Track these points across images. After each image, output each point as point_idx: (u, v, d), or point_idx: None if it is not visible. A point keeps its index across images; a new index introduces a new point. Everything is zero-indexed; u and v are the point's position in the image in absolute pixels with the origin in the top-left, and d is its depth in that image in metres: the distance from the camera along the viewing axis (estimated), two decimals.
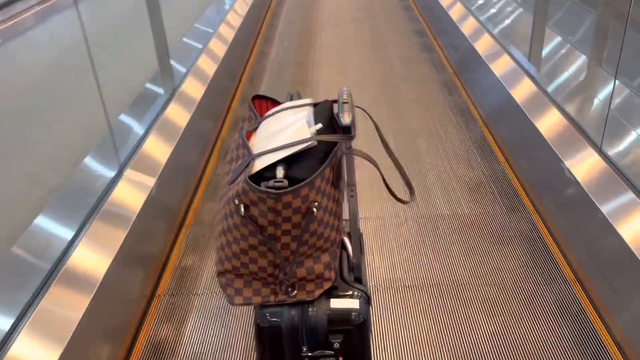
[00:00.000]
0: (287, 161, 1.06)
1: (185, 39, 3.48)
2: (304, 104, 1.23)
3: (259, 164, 1.06)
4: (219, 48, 3.55)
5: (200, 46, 3.38)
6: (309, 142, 1.06)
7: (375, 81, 3.80)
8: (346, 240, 1.27)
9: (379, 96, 3.56)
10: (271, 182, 1.01)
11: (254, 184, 1.01)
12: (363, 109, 1.21)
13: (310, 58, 4.31)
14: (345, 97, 1.14)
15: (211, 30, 3.68)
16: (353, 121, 1.10)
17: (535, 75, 2.79)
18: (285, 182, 1.01)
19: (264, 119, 1.23)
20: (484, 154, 2.82)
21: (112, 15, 3.23)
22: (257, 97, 1.31)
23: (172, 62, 3.08)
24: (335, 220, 1.13)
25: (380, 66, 4.06)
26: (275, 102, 1.32)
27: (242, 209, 1.02)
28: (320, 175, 1.04)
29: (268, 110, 1.28)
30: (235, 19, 4.16)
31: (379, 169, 1.12)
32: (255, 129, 1.22)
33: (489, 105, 3.18)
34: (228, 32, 3.86)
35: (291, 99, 1.29)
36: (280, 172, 1.04)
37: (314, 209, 1.03)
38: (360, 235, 1.31)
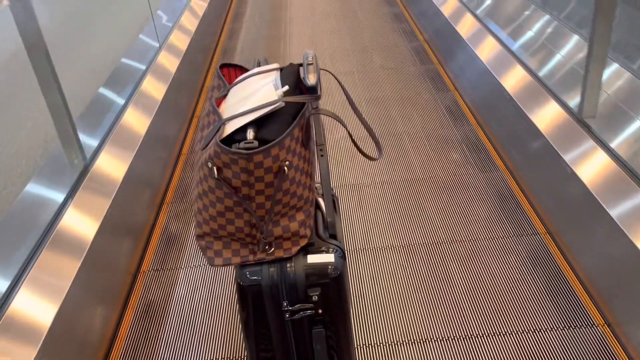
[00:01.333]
0: (256, 123, 1.09)
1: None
2: (271, 69, 1.25)
3: (230, 128, 1.09)
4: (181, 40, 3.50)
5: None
6: (276, 104, 1.09)
7: (346, 50, 3.81)
8: (320, 200, 1.32)
9: (351, 65, 3.58)
10: (242, 144, 1.05)
11: (225, 146, 1.04)
12: (328, 70, 1.25)
13: (281, 32, 4.30)
14: (310, 59, 1.17)
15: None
16: (318, 81, 1.13)
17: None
18: (256, 143, 1.05)
19: (232, 86, 1.25)
20: (455, 118, 2.89)
21: None
22: (225, 65, 1.33)
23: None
24: (307, 179, 1.17)
25: (351, 36, 4.08)
26: (243, 69, 1.34)
27: (215, 172, 1.06)
28: (290, 135, 1.07)
29: (236, 77, 1.30)
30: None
31: (345, 127, 1.16)
32: (224, 96, 1.24)
33: (460, 72, 3.23)
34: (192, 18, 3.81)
35: (259, 66, 1.32)
36: (250, 134, 1.07)
37: (285, 168, 1.07)
38: (334, 195, 1.35)
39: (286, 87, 1.13)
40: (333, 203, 1.30)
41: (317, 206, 1.30)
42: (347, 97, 1.24)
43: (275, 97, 1.11)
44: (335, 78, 1.25)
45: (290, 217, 1.16)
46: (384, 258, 2.02)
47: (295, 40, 4.13)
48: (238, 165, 1.04)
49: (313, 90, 1.13)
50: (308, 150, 1.16)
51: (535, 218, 2.15)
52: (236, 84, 1.25)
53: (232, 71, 1.34)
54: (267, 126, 1.09)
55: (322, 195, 1.32)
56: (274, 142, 1.05)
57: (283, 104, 1.09)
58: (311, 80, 1.12)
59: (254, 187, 1.07)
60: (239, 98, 1.18)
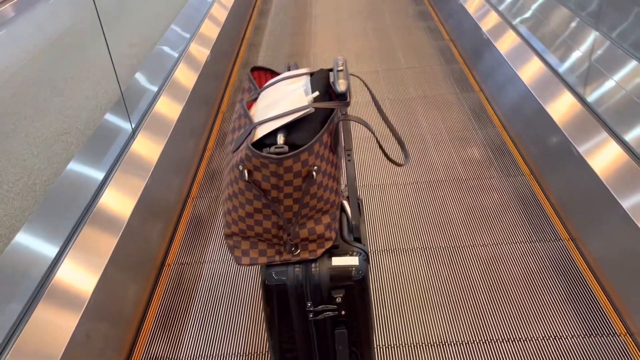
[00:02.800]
0: (287, 128, 1.11)
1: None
2: (301, 74, 1.28)
3: (260, 132, 1.12)
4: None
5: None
6: (307, 110, 1.11)
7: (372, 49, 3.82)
8: (345, 203, 1.34)
9: (376, 65, 3.58)
10: (272, 148, 1.07)
11: (256, 150, 1.07)
12: (357, 76, 1.26)
13: (306, 29, 4.31)
14: (340, 65, 1.19)
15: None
16: (348, 88, 1.15)
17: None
18: (286, 148, 1.07)
19: (263, 89, 1.28)
20: (480, 121, 2.88)
21: None
22: (256, 69, 1.36)
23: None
24: (335, 183, 1.19)
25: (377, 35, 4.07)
26: (274, 73, 1.37)
27: (246, 174, 1.09)
28: (319, 141, 1.10)
29: (267, 81, 1.33)
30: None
31: (373, 133, 1.18)
32: (255, 99, 1.27)
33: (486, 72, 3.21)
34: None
35: (289, 70, 1.34)
36: (280, 138, 1.10)
37: (314, 173, 1.09)
38: (359, 198, 1.37)
39: (316, 93, 1.15)
40: (358, 206, 1.32)
41: (343, 209, 1.32)
42: (374, 103, 1.26)
43: (306, 103, 1.14)
44: (364, 84, 1.27)
45: (317, 220, 1.18)
46: (406, 259, 2.04)
47: (320, 39, 4.14)
48: (268, 169, 1.07)
49: (342, 97, 1.15)
50: (336, 155, 1.18)
51: (559, 223, 2.14)
52: (267, 87, 1.28)
53: (263, 74, 1.36)
54: (297, 131, 1.12)
55: (348, 198, 1.35)
56: (304, 147, 1.07)
57: (313, 110, 1.11)
58: (341, 87, 1.14)
59: (282, 191, 1.10)
60: (270, 102, 1.21)
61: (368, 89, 1.26)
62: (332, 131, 1.15)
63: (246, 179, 1.09)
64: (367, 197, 2.37)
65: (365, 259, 1.24)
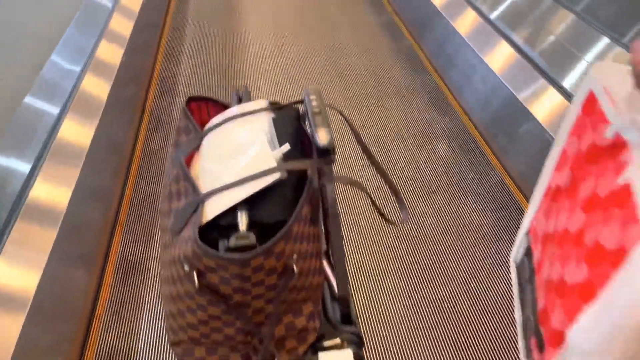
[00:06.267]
0: (249, 201, 0.78)
1: None
2: (259, 109, 0.93)
3: (212, 209, 0.78)
4: None
5: None
6: (277, 175, 0.78)
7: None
8: (325, 265, 1.03)
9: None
10: (233, 240, 0.74)
11: (207, 248, 0.73)
12: (339, 110, 0.93)
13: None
14: (315, 104, 0.85)
15: None
16: (332, 140, 0.81)
17: None
18: (252, 238, 0.74)
19: (207, 133, 0.92)
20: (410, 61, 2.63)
21: None
22: (194, 99, 1.00)
23: None
24: (317, 261, 0.88)
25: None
26: (218, 105, 1.01)
27: (195, 278, 0.75)
28: (297, 219, 0.77)
29: (209, 117, 0.97)
30: None
31: (367, 193, 0.87)
32: (196, 147, 0.92)
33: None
34: None
35: (239, 99, 1.00)
36: (242, 218, 0.77)
37: (294, 265, 0.78)
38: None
39: (286, 146, 0.82)
40: (344, 275, 1.01)
41: (325, 278, 1.01)
42: (360, 144, 0.94)
43: (272, 162, 0.80)
44: (346, 120, 0.94)
45: (296, 312, 0.88)
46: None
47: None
48: (229, 271, 0.74)
49: (325, 153, 0.81)
50: (317, 226, 0.87)
51: None
52: (211, 129, 0.92)
53: (204, 107, 1.00)
54: (264, 204, 0.79)
55: (325, 253, 1.04)
56: (279, 235, 0.74)
57: (286, 175, 0.78)
58: (322, 139, 0.80)
59: (250, 293, 0.78)
60: (219, 155, 0.86)
61: (351, 127, 0.93)
62: (311, 198, 0.82)
63: (196, 284, 0.75)
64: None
65: (359, 346, 0.96)
